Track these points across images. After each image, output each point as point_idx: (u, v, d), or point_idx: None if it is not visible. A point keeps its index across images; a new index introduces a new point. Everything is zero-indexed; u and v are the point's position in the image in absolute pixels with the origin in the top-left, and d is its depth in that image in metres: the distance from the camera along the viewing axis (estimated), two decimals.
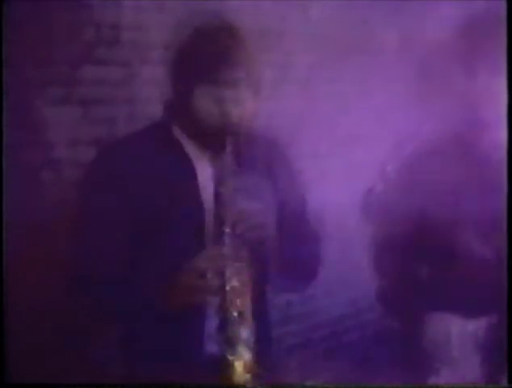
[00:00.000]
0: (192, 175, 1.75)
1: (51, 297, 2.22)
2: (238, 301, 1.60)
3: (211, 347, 1.66)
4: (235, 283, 1.60)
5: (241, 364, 1.58)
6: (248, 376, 1.58)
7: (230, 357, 1.58)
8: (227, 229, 1.62)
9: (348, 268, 3.10)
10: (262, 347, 1.65)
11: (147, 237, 1.70)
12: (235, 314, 1.59)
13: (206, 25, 1.71)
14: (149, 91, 2.48)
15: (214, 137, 1.68)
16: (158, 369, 1.70)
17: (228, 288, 1.59)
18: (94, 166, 1.79)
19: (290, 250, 1.72)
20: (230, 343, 1.59)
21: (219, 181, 1.67)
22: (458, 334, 1.79)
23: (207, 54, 1.65)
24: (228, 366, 1.58)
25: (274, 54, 2.98)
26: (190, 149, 1.76)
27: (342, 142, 3.18)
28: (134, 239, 1.71)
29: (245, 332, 1.61)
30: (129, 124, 2.50)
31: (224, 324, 1.60)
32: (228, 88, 1.66)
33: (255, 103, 1.72)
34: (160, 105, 1.85)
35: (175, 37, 1.72)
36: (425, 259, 1.86)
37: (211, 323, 1.66)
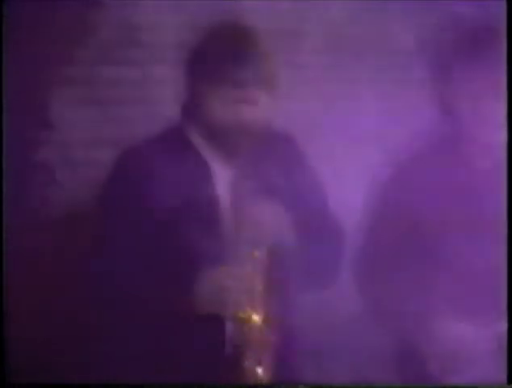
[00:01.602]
0: (208, 177, 1.75)
1: (52, 297, 2.24)
2: (256, 303, 1.60)
3: (229, 349, 1.66)
4: (253, 287, 1.60)
5: (258, 364, 1.58)
6: (265, 376, 1.58)
7: (248, 358, 1.58)
8: (244, 234, 1.62)
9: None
10: (280, 347, 1.65)
11: (163, 239, 1.71)
12: (253, 316, 1.59)
13: (219, 25, 1.71)
14: (167, 92, 2.48)
15: (229, 139, 1.68)
16: (174, 370, 1.71)
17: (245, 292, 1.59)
18: (113, 169, 1.79)
19: (309, 251, 1.72)
20: (248, 344, 1.59)
21: (236, 183, 1.68)
22: (465, 337, 1.78)
23: (220, 55, 1.65)
24: (246, 367, 1.57)
25: (291, 54, 2.98)
26: (207, 151, 1.76)
27: (358, 143, 3.16)
28: (150, 241, 1.71)
29: (262, 332, 1.60)
30: (146, 124, 2.51)
31: (242, 326, 1.60)
32: (243, 88, 1.65)
33: (270, 103, 1.72)
34: (177, 106, 1.86)
35: (190, 38, 1.72)
36: (427, 260, 1.85)
37: (229, 325, 1.65)
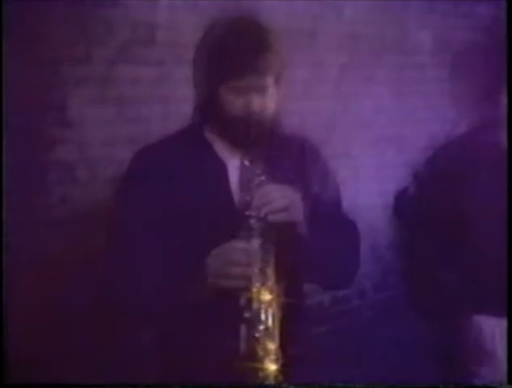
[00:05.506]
0: (223, 173, 1.76)
1: (54, 297, 2.24)
2: (266, 298, 1.59)
3: (242, 346, 1.65)
4: (263, 278, 1.60)
5: (270, 362, 1.57)
6: (278, 375, 1.58)
7: (259, 355, 1.58)
8: (253, 215, 1.61)
9: (379, 269, 3.09)
10: (293, 346, 1.65)
11: (179, 234, 1.72)
12: (262, 309, 1.58)
13: (225, 21, 1.71)
14: (184, 91, 2.49)
15: (241, 133, 1.69)
16: (179, 369, 1.71)
17: (255, 281, 1.58)
18: (130, 167, 1.81)
19: (323, 248, 1.71)
20: (258, 341, 1.58)
21: (246, 171, 1.68)
22: (492, 334, 1.78)
23: (228, 48, 1.65)
24: (258, 364, 1.57)
25: (307, 54, 2.98)
26: (221, 148, 1.77)
27: (375, 142, 3.17)
28: (166, 236, 1.72)
29: (272, 330, 1.60)
30: (164, 123, 2.53)
31: (253, 321, 1.59)
32: (252, 81, 1.66)
33: (278, 93, 1.72)
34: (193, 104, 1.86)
35: (201, 36, 1.73)
36: (457, 260, 1.85)
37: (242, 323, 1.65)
